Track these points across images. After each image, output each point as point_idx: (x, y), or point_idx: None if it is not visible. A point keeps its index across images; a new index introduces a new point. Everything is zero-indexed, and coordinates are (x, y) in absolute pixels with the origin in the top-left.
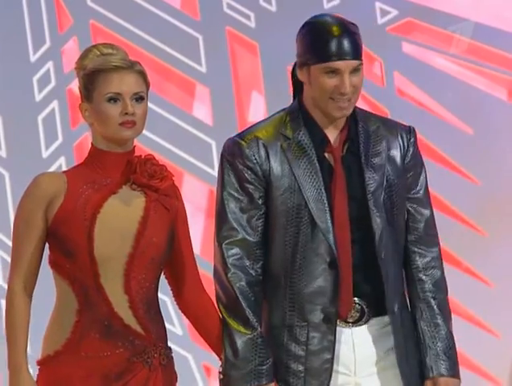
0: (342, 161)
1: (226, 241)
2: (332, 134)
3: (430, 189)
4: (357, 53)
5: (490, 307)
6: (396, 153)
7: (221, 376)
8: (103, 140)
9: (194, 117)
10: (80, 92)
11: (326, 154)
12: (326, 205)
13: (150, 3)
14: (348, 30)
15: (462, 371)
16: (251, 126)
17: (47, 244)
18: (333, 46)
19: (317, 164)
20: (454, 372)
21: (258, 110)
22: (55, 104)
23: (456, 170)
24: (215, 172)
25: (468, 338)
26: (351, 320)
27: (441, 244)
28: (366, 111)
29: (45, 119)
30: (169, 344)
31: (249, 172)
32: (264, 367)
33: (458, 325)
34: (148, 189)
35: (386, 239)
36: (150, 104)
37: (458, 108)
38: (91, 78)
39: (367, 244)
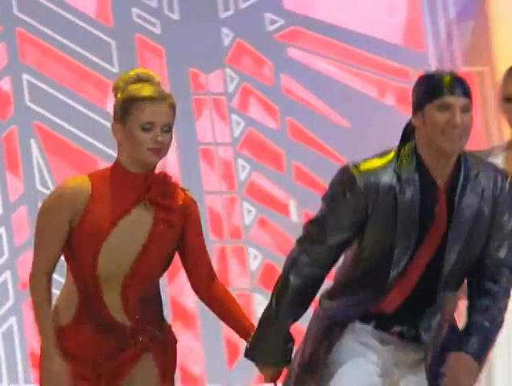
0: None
1: (309, 243)
2: (441, 181)
3: (313, 174)
4: (467, 93)
5: None
6: (487, 209)
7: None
8: (128, 159)
9: (108, 112)
10: (115, 112)
11: (434, 202)
12: (409, 254)
13: (69, 13)
14: (459, 75)
15: None
16: (370, 159)
17: None
18: (445, 84)
19: (418, 215)
20: (477, 357)
21: None
22: None
23: (334, 158)
24: None
25: None
26: None
27: None
28: (469, 154)
29: None
30: None
31: (355, 203)
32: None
33: None
34: (159, 207)
35: (449, 287)
36: (68, 100)
37: (337, 105)
38: (128, 104)
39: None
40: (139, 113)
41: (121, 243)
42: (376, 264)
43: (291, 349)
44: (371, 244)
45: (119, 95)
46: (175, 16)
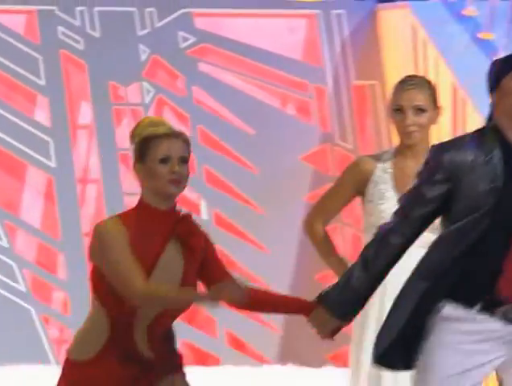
0: None
1: (400, 212)
2: None
3: (222, 177)
4: None
5: (265, 267)
6: None
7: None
8: (151, 195)
9: (35, 120)
10: (135, 154)
11: None
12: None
13: (0, 31)
14: None
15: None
16: (454, 139)
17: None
18: None
19: (502, 184)
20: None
21: (85, 115)
22: None
23: (241, 162)
24: (52, 163)
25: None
26: None
27: (229, 220)
28: None
29: None
30: (15, 300)
31: (439, 176)
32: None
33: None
34: (187, 246)
35: None
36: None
37: (243, 114)
38: (146, 143)
39: None
40: (157, 149)
41: (162, 282)
42: (471, 240)
43: (354, 317)
44: (460, 218)
45: (137, 139)
46: (97, 34)
